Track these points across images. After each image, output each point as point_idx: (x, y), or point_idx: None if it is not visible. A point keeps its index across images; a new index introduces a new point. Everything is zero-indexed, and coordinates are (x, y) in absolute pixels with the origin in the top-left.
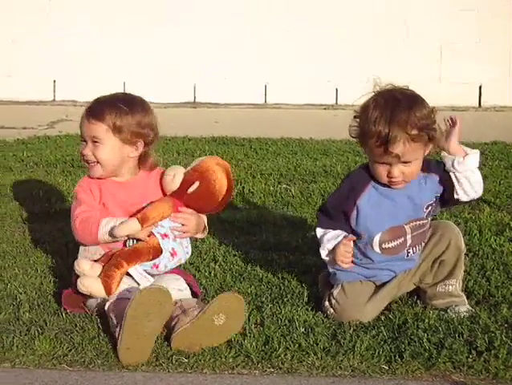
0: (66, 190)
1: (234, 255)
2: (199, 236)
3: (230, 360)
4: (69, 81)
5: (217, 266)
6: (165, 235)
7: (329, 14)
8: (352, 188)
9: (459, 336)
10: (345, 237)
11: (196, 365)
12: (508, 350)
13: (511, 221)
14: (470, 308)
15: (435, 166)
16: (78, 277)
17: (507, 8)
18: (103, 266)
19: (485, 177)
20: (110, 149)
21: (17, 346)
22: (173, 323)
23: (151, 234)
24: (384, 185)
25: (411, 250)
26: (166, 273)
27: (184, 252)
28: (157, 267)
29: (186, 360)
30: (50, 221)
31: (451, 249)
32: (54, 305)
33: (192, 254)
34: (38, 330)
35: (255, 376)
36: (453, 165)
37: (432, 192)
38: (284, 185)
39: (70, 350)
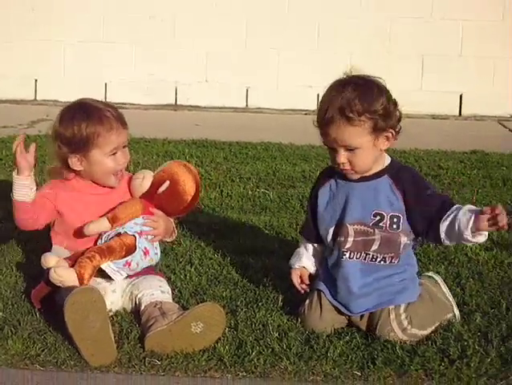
0: None
1: (210, 258)
2: (168, 239)
3: (203, 363)
4: (51, 80)
5: (192, 269)
6: (139, 233)
7: (312, 16)
8: (317, 182)
9: (432, 344)
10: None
11: (168, 367)
12: (480, 358)
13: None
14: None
15: (410, 184)
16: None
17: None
18: (75, 261)
19: (462, 186)
20: None
21: None
22: (150, 324)
23: (124, 233)
24: (345, 179)
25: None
26: (149, 273)
27: (154, 252)
28: (129, 265)
29: (159, 362)
30: None
31: None
32: (27, 304)
33: (168, 257)
34: (11, 330)
35: (228, 380)
36: (464, 227)
37: (386, 202)
38: (262, 190)
39: (43, 351)
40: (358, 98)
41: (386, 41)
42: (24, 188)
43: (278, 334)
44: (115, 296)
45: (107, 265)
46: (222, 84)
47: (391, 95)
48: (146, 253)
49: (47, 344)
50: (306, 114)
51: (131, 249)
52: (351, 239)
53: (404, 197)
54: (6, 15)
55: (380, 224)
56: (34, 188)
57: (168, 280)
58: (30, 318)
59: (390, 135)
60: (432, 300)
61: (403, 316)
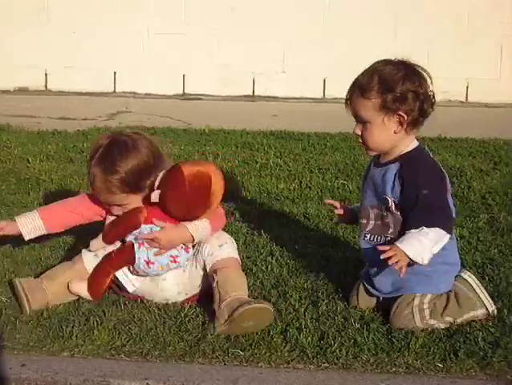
0: None
1: (291, 250)
2: (190, 244)
3: (286, 354)
4: (129, 73)
5: (273, 260)
6: (141, 244)
7: (389, 5)
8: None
9: None
10: None
11: (251, 358)
12: None
13: None
14: None
15: (409, 176)
16: None
17: None
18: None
19: None
20: None
21: (76, 336)
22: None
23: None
24: (375, 164)
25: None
26: None
27: (165, 261)
28: (137, 273)
29: (242, 353)
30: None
31: None
32: (112, 296)
33: (249, 248)
34: (96, 321)
35: (310, 371)
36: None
37: (390, 188)
38: (341, 181)
39: (128, 341)
40: (380, 75)
41: (464, 27)
42: None
43: (360, 326)
44: (165, 283)
45: (123, 275)
46: (299, 75)
47: (425, 93)
48: (149, 263)
49: (132, 334)
50: None
51: (129, 260)
52: (372, 222)
53: (402, 187)
54: (87, 6)
55: (389, 208)
56: None
57: (250, 271)
58: (114, 310)
59: (402, 118)
60: (457, 298)
61: (426, 305)
